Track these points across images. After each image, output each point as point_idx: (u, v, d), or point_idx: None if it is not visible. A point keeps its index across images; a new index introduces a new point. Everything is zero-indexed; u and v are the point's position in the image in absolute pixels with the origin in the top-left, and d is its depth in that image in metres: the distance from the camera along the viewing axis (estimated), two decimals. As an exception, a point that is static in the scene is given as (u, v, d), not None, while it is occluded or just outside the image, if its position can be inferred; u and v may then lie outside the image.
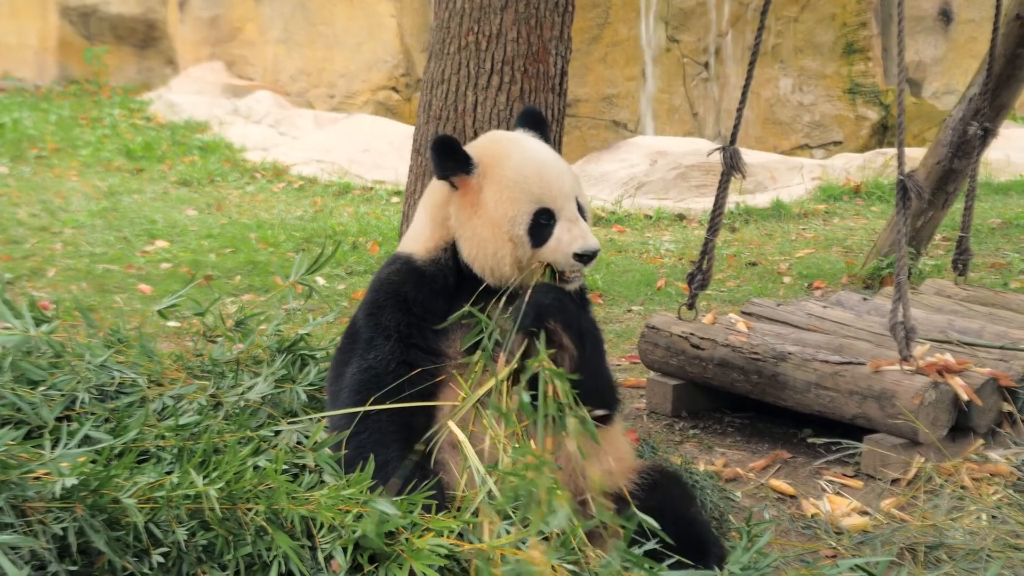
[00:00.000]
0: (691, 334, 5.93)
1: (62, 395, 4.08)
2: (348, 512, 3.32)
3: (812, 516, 4.64)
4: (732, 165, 6.02)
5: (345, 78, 18.24)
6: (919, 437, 4.97)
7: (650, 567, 3.32)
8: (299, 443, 3.94)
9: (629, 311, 8.43)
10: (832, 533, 4.45)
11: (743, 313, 6.45)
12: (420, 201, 4.13)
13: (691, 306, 6.16)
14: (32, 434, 3.83)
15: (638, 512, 3.49)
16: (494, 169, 3.80)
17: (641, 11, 17.53)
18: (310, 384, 4.45)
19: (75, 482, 3.14)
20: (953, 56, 18.40)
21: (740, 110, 6.14)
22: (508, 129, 5.12)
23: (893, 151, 10.94)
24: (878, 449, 5.04)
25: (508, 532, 3.33)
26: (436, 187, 3.94)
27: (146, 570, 3.18)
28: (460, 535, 3.32)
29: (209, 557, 3.26)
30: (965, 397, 5.05)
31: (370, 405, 3.66)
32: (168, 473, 3.46)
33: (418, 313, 3.83)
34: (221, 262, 9.68)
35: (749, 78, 6.13)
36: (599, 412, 3.70)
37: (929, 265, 9.04)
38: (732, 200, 11.79)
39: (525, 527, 3.36)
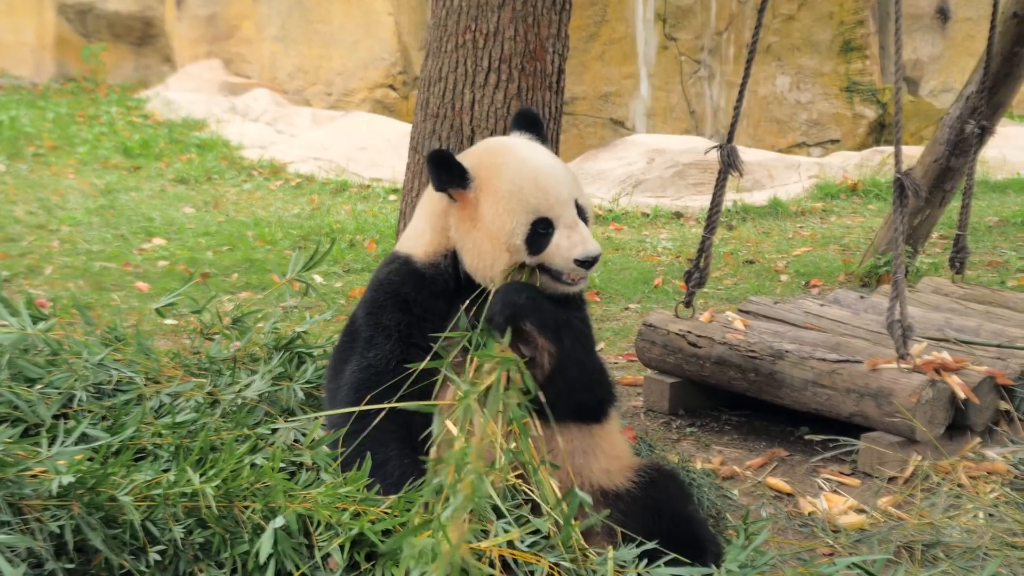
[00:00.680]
0: (688, 332, 5.93)
1: (59, 393, 4.08)
2: (345, 510, 3.31)
3: (809, 514, 4.64)
4: (729, 163, 6.02)
5: (342, 76, 18.24)
6: (916, 435, 4.98)
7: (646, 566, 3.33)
8: (296, 441, 3.94)
9: (626, 309, 8.43)
10: (829, 531, 4.45)
11: (740, 311, 6.45)
12: (419, 202, 4.12)
13: (688, 304, 6.16)
14: (29, 432, 3.83)
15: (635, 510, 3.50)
16: (490, 182, 3.78)
17: (638, 9, 17.53)
18: (307, 382, 4.45)
19: (72, 480, 3.13)
20: (950, 54, 18.41)
21: (737, 108, 6.14)
22: (505, 128, 5.12)
23: (890, 149, 10.94)
24: (875, 447, 5.04)
25: (505, 531, 3.33)
26: (435, 196, 3.92)
27: (143, 568, 3.18)
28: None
29: (206, 555, 3.26)
30: (962, 395, 5.05)
31: (369, 404, 3.66)
32: (165, 471, 3.46)
33: (418, 313, 3.84)
34: (218, 260, 9.68)
35: (746, 76, 6.13)
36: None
37: (926, 263, 9.04)
38: (729, 198, 11.79)
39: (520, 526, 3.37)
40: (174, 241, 10.36)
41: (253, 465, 3.52)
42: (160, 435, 3.82)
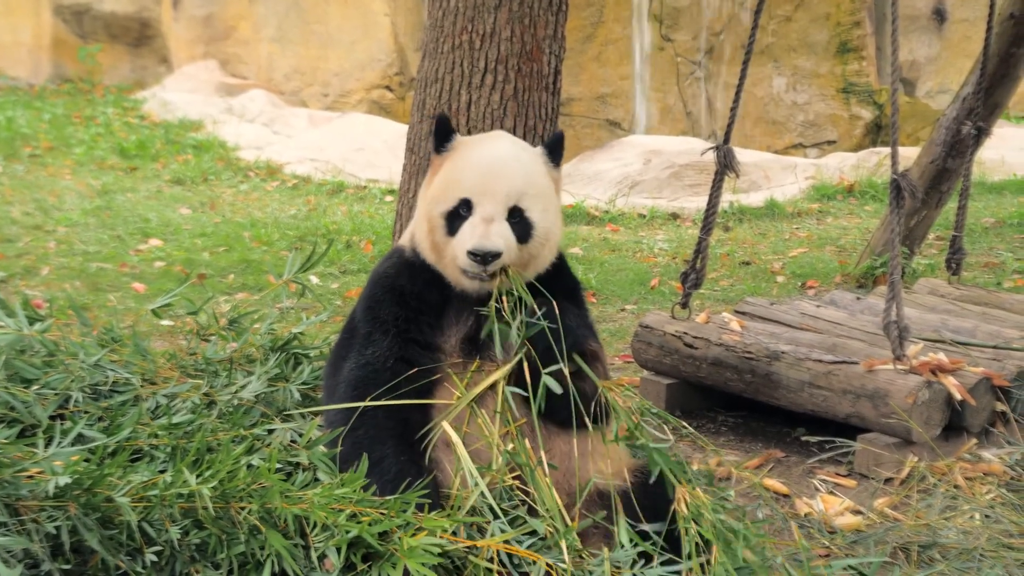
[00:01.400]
0: (685, 333, 5.93)
1: (55, 394, 4.07)
2: (342, 511, 3.31)
3: (805, 515, 4.64)
4: (726, 164, 6.03)
5: (339, 77, 18.24)
6: (912, 436, 4.98)
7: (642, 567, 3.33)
8: (293, 441, 3.94)
9: (623, 310, 8.43)
10: (825, 532, 4.45)
11: (737, 312, 6.46)
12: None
13: (685, 305, 6.17)
14: (25, 433, 3.83)
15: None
16: (456, 155, 3.87)
17: (635, 10, 17.53)
18: (303, 383, 4.45)
19: (68, 481, 3.13)
20: (947, 55, 18.42)
21: (734, 109, 6.14)
22: (502, 128, 5.13)
23: (887, 150, 10.95)
24: (871, 448, 5.05)
25: (502, 531, 3.34)
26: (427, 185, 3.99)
27: (139, 569, 3.18)
28: (454, 533, 3.32)
29: (202, 556, 3.26)
30: (958, 396, 5.05)
31: (367, 402, 3.66)
32: (161, 472, 3.45)
33: (415, 306, 3.84)
34: (215, 261, 9.67)
35: (743, 77, 6.14)
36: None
37: (923, 264, 9.05)
38: (726, 199, 11.80)
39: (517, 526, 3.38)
40: (170, 242, 10.35)
41: (249, 466, 3.52)
42: (156, 436, 3.82)
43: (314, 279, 8.93)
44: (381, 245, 10.02)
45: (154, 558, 3.19)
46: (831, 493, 4.92)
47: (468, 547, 3.30)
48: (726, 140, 6.12)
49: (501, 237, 3.67)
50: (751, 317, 6.34)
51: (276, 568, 3.19)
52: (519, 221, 3.76)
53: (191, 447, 3.61)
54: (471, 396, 3.68)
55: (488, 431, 3.64)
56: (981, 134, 7.41)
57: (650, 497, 3.76)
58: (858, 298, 6.82)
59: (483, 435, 3.65)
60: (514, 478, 3.57)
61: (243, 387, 4.34)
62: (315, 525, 3.29)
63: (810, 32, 17.36)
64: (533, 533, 3.39)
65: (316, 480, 3.62)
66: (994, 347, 5.80)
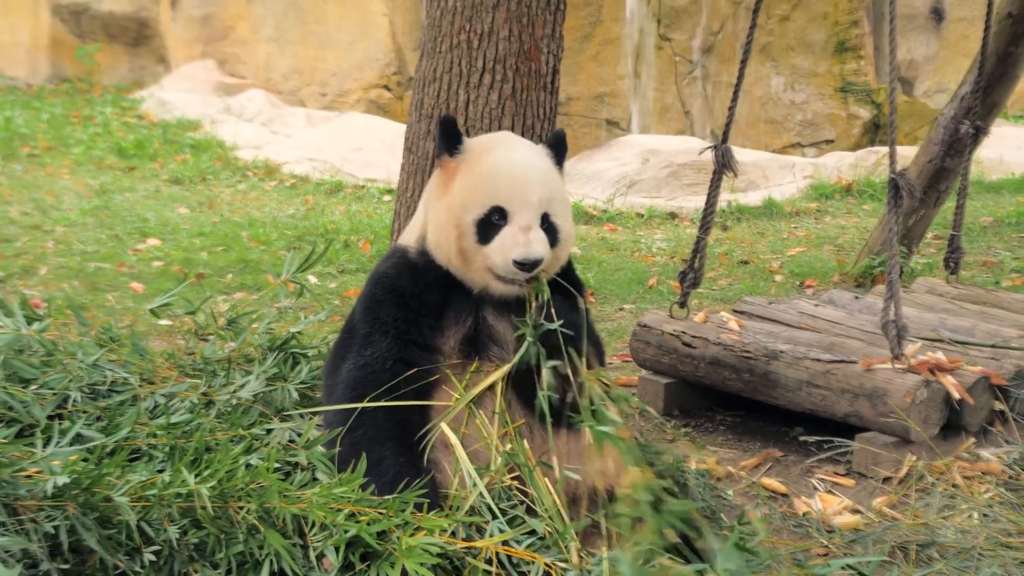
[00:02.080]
0: (683, 332, 5.93)
1: (54, 393, 4.07)
2: (340, 511, 3.31)
3: (804, 514, 4.65)
4: (724, 163, 6.03)
5: (337, 76, 18.23)
6: (911, 435, 4.98)
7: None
8: (291, 441, 3.94)
9: (621, 309, 8.43)
10: (824, 531, 4.45)
11: (735, 311, 6.46)
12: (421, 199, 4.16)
13: (683, 304, 6.17)
14: (24, 433, 3.83)
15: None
16: (474, 159, 3.85)
17: (633, 10, 17.53)
18: (302, 382, 4.45)
19: (67, 480, 3.13)
20: (945, 54, 18.42)
21: (732, 108, 6.14)
22: (500, 128, 5.13)
23: (885, 149, 10.94)
24: (870, 447, 5.05)
25: (500, 531, 3.34)
26: (430, 187, 3.98)
27: (138, 568, 3.18)
28: (452, 533, 3.32)
29: (201, 555, 3.26)
30: (957, 395, 5.06)
31: (366, 402, 3.66)
32: (160, 471, 3.46)
33: (415, 308, 3.84)
34: (213, 260, 9.67)
35: (741, 76, 6.14)
36: None
37: (921, 263, 9.05)
38: (724, 198, 11.80)
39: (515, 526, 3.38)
40: (169, 242, 10.35)
41: (248, 465, 3.52)
42: (155, 436, 3.82)
43: (312, 279, 8.93)
44: (379, 244, 10.02)
45: (152, 558, 3.19)
46: (829, 492, 4.92)
47: (467, 548, 3.30)
48: (724, 139, 6.12)
49: (542, 244, 3.74)
50: (749, 316, 6.34)
51: (275, 567, 3.19)
52: (548, 227, 3.82)
53: (189, 447, 3.61)
54: (470, 397, 3.68)
55: (487, 432, 3.65)
56: (979, 133, 7.41)
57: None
58: (856, 297, 6.82)
59: (482, 436, 3.65)
60: (513, 478, 3.58)
61: (241, 387, 4.34)
62: (314, 525, 3.29)
63: (808, 31, 17.37)
64: (533, 533, 3.39)
65: (314, 480, 3.62)
66: (992, 346, 5.80)
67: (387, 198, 13.00)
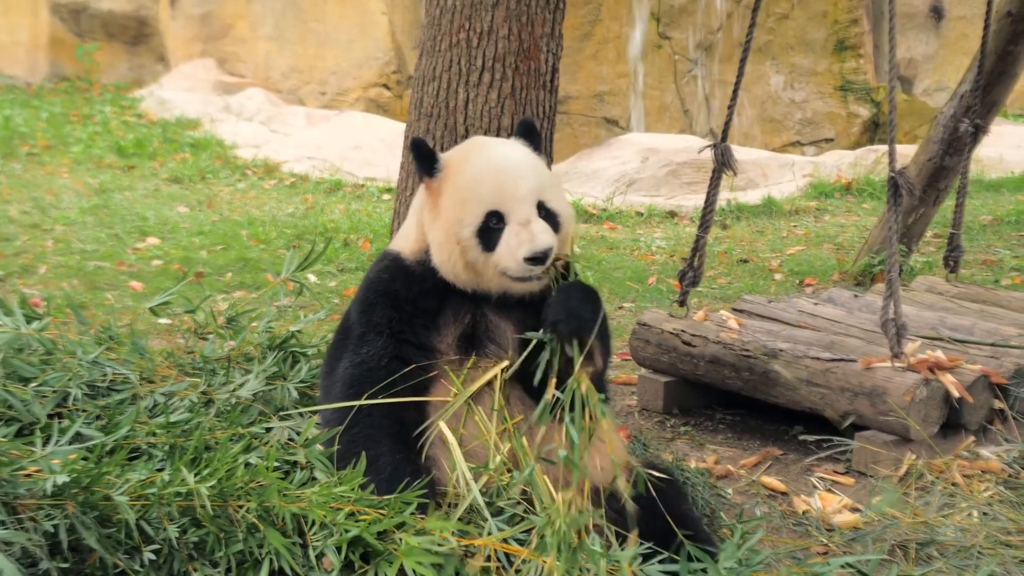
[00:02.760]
0: (682, 331, 5.93)
1: (54, 391, 4.07)
2: (340, 510, 3.31)
3: (803, 513, 4.65)
4: (723, 162, 6.02)
5: (336, 75, 18.23)
6: (910, 434, 4.98)
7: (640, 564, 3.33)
8: (290, 440, 3.94)
9: (620, 308, 8.43)
10: (823, 530, 4.45)
11: (734, 310, 6.46)
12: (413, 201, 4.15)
13: (682, 303, 6.17)
14: (23, 431, 3.83)
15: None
16: (454, 173, 3.82)
17: (632, 8, 17.53)
18: (301, 381, 4.45)
19: (66, 479, 3.13)
20: (944, 53, 18.43)
21: (731, 107, 6.14)
22: (499, 127, 5.13)
23: (884, 148, 10.95)
24: (869, 446, 5.05)
25: (500, 530, 3.34)
26: (421, 193, 3.97)
27: (137, 567, 3.18)
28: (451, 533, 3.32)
29: (200, 554, 3.26)
30: (956, 394, 5.05)
31: (362, 400, 3.66)
32: (159, 470, 3.45)
33: (409, 310, 3.84)
34: (212, 259, 9.67)
35: (740, 75, 6.14)
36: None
37: (920, 262, 9.06)
38: (723, 197, 11.80)
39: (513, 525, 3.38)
40: (168, 240, 10.35)
41: (247, 464, 3.52)
42: (154, 434, 3.82)
43: (312, 277, 8.93)
44: (379, 243, 10.02)
45: (152, 556, 3.19)
46: (829, 491, 4.92)
47: (465, 546, 3.30)
48: (723, 138, 6.11)
49: (547, 233, 3.70)
50: (749, 315, 6.34)
51: (274, 566, 3.19)
52: (547, 214, 3.78)
53: (189, 445, 3.61)
54: (468, 393, 3.68)
55: (485, 428, 3.65)
56: (979, 132, 7.41)
57: (648, 495, 3.76)
58: (856, 296, 6.82)
59: (480, 433, 3.65)
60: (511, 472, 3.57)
61: (241, 385, 4.34)
62: (313, 523, 3.29)
63: (808, 30, 17.37)
64: (531, 530, 3.39)
65: (313, 479, 3.62)
66: (992, 345, 5.80)
67: (386, 197, 13.00)
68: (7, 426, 3.80)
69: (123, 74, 19.68)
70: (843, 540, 4.33)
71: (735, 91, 6.14)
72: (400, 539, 3.20)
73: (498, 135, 5.07)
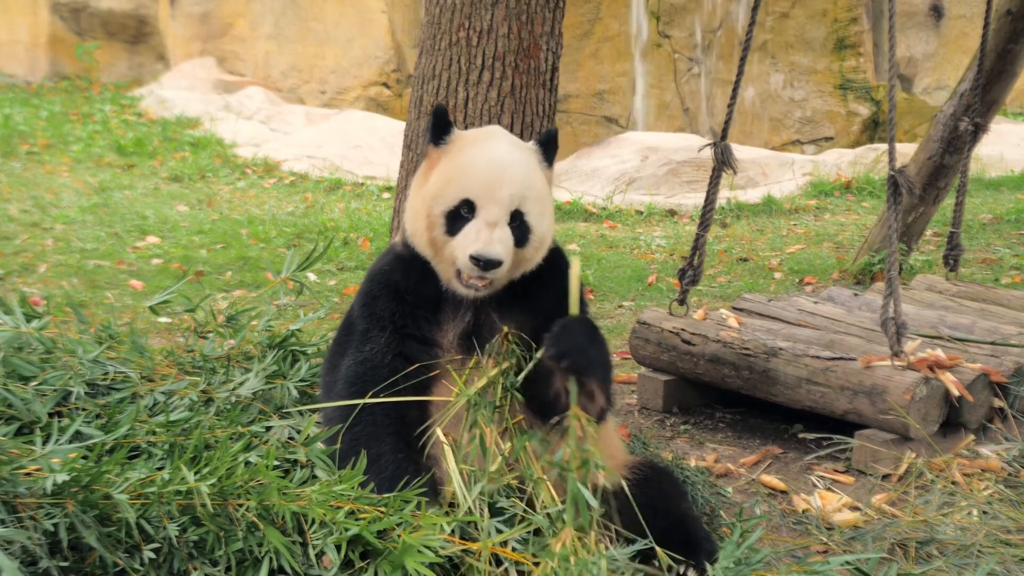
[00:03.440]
0: (682, 330, 5.93)
1: (54, 390, 4.07)
2: (340, 508, 3.31)
3: (803, 512, 4.65)
4: (723, 161, 6.03)
5: (336, 74, 18.23)
6: (910, 433, 4.98)
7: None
8: (291, 438, 3.94)
9: (620, 307, 8.43)
10: (823, 529, 4.45)
11: (734, 309, 6.46)
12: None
13: (682, 302, 6.17)
14: (23, 430, 3.83)
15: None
16: (455, 150, 3.83)
17: (632, 6, 17.54)
18: (301, 380, 4.45)
19: (66, 478, 3.13)
20: (944, 52, 18.43)
21: (731, 106, 6.14)
22: (499, 124, 5.13)
23: (884, 147, 10.95)
24: (869, 445, 5.05)
25: (499, 531, 3.34)
26: (422, 163, 3.97)
27: (137, 566, 3.18)
28: (452, 532, 3.32)
29: (200, 553, 3.26)
30: (956, 393, 5.06)
31: (365, 398, 3.66)
32: (159, 469, 3.45)
33: (411, 301, 3.84)
34: (212, 258, 9.67)
35: (740, 74, 6.13)
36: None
37: (920, 261, 9.05)
38: (723, 196, 11.81)
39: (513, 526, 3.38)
40: (168, 239, 10.35)
41: (247, 463, 3.52)
42: (154, 433, 3.82)
43: (312, 276, 8.94)
44: (378, 242, 10.02)
45: (152, 555, 3.19)
46: (829, 489, 4.92)
47: (464, 548, 3.30)
48: (723, 136, 6.11)
49: (503, 244, 3.66)
50: (749, 313, 6.34)
51: (274, 565, 3.19)
52: (519, 225, 3.75)
53: (189, 444, 3.61)
54: (469, 393, 3.67)
55: (486, 430, 3.64)
56: (978, 130, 7.41)
57: (647, 494, 3.76)
58: (856, 294, 6.82)
59: (479, 433, 3.65)
60: (512, 473, 3.57)
61: (241, 384, 4.34)
62: (313, 522, 3.29)
63: (807, 28, 17.38)
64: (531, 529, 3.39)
65: (314, 477, 3.62)
66: (992, 343, 5.80)
67: (386, 195, 13.00)
68: (7, 425, 3.80)
69: (123, 73, 19.68)
70: (843, 539, 4.33)
71: (735, 90, 6.13)
72: (399, 537, 3.20)
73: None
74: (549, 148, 3.98)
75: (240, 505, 3.29)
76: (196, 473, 3.33)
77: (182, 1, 19.18)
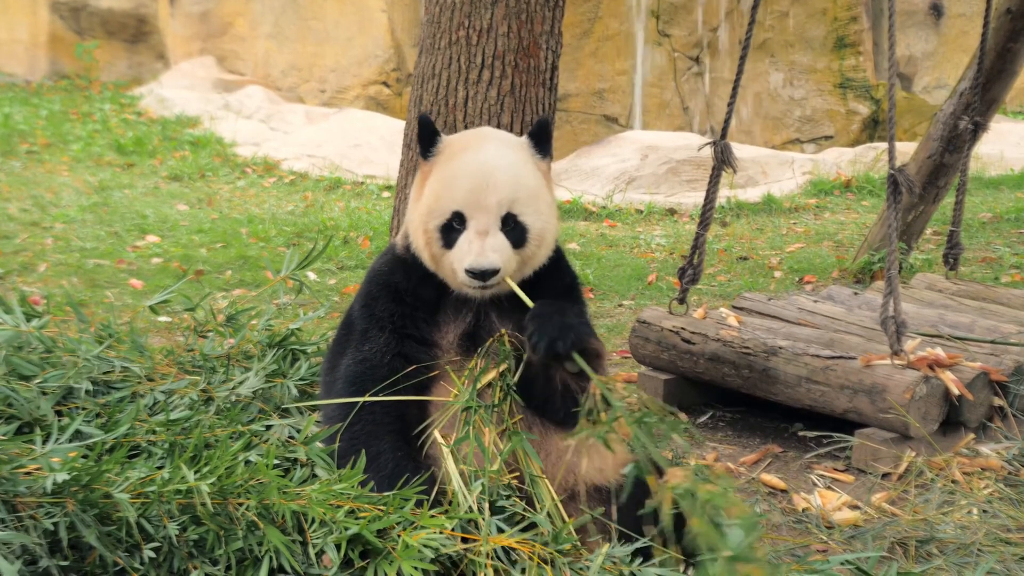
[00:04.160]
0: (682, 329, 5.93)
1: (58, 388, 4.07)
2: (340, 507, 3.31)
3: (803, 510, 4.64)
4: (723, 159, 6.02)
5: (336, 73, 18.23)
6: (910, 431, 4.98)
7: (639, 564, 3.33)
8: (291, 438, 3.94)
9: (620, 306, 8.43)
10: (823, 527, 4.45)
11: (734, 307, 6.46)
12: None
13: (682, 300, 6.17)
14: (23, 429, 3.83)
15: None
16: (443, 161, 3.82)
17: (632, 5, 17.53)
18: (301, 379, 4.45)
19: (66, 477, 3.13)
20: (944, 50, 18.43)
21: (731, 104, 6.14)
22: (499, 124, 5.13)
23: (884, 145, 10.95)
24: (869, 443, 5.05)
25: (500, 530, 3.34)
26: (415, 179, 3.98)
27: (137, 565, 3.18)
28: (452, 530, 3.32)
29: (200, 552, 3.26)
30: (956, 391, 5.06)
31: (364, 397, 3.66)
32: (159, 468, 3.45)
33: (411, 302, 3.84)
34: (212, 257, 9.67)
35: (740, 73, 6.13)
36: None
37: (920, 259, 9.05)
38: (723, 195, 11.81)
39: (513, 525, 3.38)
40: (168, 238, 10.35)
41: (247, 462, 3.52)
42: (154, 432, 3.82)
43: (311, 275, 8.93)
44: (378, 241, 10.02)
45: (152, 554, 3.19)
46: (829, 488, 4.92)
47: (464, 548, 3.29)
48: (723, 135, 6.11)
49: (497, 252, 3.66)
50: (748, 312, 6.35)
51: (274, 564, 3.19)
52: (513, 228, 3.74)
53: (189, 443, 3.61)
54: (468, 394, 3.67)
55: (485, 430, 3.64)
56: (978, 129, 7.41)
57: (647, 493, 3.76)
58: (855, 293, 6.82)
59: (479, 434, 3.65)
60: (513, 475, 3.57)
61: (241, 383, 4.34)
62: (313, 521, 3.29)
63: (807, 27, 17.38)
64: (532, 527, 3.38)
65: (314, 476, 3.62)
66: (991, 342, 5.80)
67: (386, 194, 13.00)
68: (7, 424, 3.80)
69: (122, 72, 19.68)
70: (843, 537, 4.33)
71: (734, 88, 6.13)
72: (399, 536, 3.20)
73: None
74: (542, 139, 3.94)
75: (240, 504, 3.29)
76: (196, 472, 3.32)
77: (182, 0, 19.17)
